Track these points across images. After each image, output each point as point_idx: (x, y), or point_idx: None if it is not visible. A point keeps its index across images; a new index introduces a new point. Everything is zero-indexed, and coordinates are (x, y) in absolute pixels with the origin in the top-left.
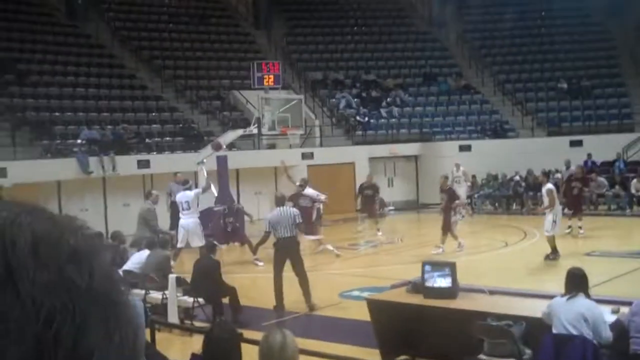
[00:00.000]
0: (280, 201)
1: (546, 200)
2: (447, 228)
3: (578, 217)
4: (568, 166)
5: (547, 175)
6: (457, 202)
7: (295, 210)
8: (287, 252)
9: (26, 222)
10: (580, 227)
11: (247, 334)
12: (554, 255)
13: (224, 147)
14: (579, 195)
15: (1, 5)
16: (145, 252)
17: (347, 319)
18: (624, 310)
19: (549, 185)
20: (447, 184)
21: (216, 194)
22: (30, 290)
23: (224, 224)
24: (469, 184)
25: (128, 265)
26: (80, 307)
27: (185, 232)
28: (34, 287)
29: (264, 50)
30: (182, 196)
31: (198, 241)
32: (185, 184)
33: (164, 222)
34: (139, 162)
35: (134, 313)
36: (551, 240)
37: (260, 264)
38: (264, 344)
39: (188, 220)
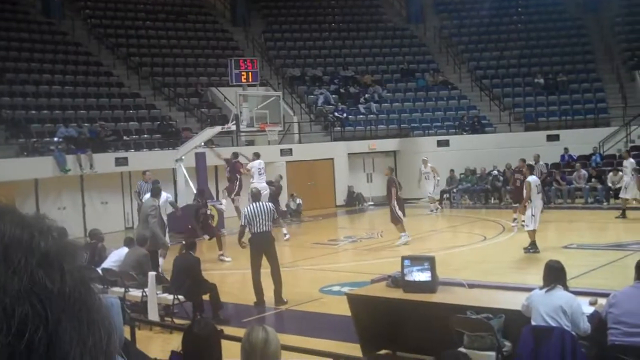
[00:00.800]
0: (255, 196)
1: (524, 193)
2: (394, 218)
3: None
4: (537, 161)
5: (531, 167)
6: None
7: (271, 205)
8: (262, 246)
9: None
10: (524, 220)
11: (228, 330)
12: (533, 249)
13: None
14: (521, 187)
15: None
16: (124, 250)
17: (328, 314)
18: (602, 301)
19: (530, 178)
20: (389, 174)
21: (195, 191)
22: (1, 298)
23: (196, 216)
24: (438, 179)
25: (107, 263)
26: (53, 312)
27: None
28: (5, 295)
29: (241, 46)
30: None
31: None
32: (154, 183)
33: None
34: (116, 159)
35: (107, 314)
36: (531, 234)
37: (227, 259)
38: (247, 340)
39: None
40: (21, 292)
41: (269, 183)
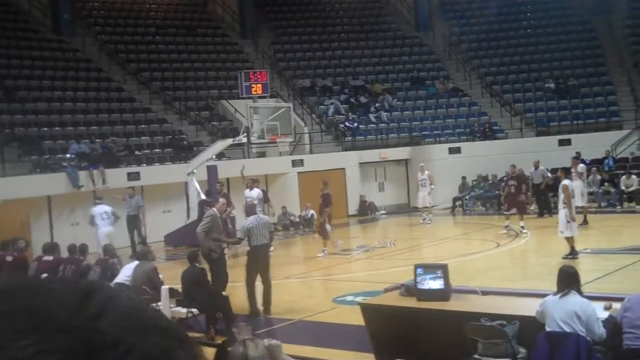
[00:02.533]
0: (251, 210)
1: (561, 197)
2: (322, 232)
3: (519, 216)
4: (537, 167)
5: (567, 171)
6: (326, 209)
7: (268, 218)
8: (260, 258)
9: None
10: (522, 227)
11: None
12: (573, 254)
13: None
14: (515, 194)
15: None
16: (134, 264)
17: (342, 324)
18: (617, 306)
19: (565, 181)
20: (324, 188)
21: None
22: None
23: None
24: (433, 187)
25: (120, 278)
26: None
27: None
28: None
29: (251, 59)
30: (101, 208)
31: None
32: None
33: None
34: (128, 174)
35: None
36: (570, 240)
37: None
38: (240, 356)
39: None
40: None
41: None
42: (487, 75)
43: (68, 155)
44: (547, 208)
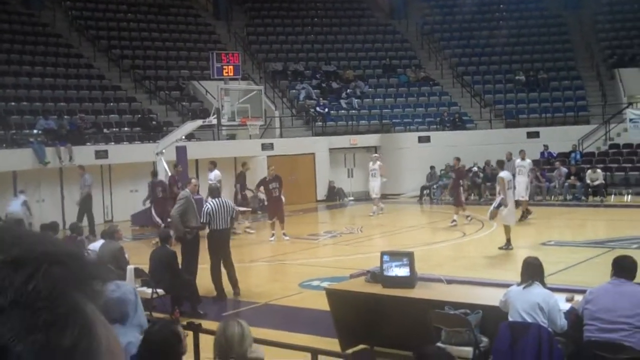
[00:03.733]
0: (215, 192)
1: (498, 189)
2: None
3: (460, 208)
4: (509, 158)
5: (502, 163)
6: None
7: (230, 202)
8: (221, 243)
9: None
10: (454, 221)
11: (206, 324)
12: (508, 246)
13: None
14: (454, 187)
15: None
16: (100, 242)
17: (307, 308)
18: (578, 298)
19: (502, 173)
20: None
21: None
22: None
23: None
24: (384, 179)
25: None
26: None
27: None
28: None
29: (223, 40)
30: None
31: None
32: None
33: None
34: (96, 152)
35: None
36: (508, 230)
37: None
38: (222, 335)
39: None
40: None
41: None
42: (459, 66)
43: (35, 131)
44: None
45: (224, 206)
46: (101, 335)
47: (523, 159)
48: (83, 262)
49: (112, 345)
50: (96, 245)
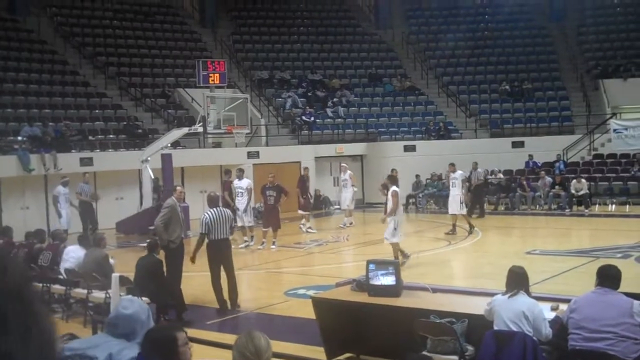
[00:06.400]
0: (213, 202)
1: (389, 204)
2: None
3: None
4: (476, 168)
5: (393, 178)
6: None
7: (229, 212)
8: (221, 253)
9: None
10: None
11: (192, 332)
12: (404, 257)
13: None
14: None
15: None
16: (76, 248)
17: (293, 317)
18: (563, 307)
19: (394, 188)
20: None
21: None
22: None
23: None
24: (355, 189)
25: (66, 263)
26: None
27: None
28: None
29: (209, 48)
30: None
31: None
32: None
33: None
34: (81, 159)
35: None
36: (395, 247)
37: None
38: (250, 345)
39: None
40: None
41: None
42: (444, 76)
43: (19, 138)
44: (480, 208)
45: (222, 216)
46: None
47: (454, 171)
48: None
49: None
50: (70, 249)
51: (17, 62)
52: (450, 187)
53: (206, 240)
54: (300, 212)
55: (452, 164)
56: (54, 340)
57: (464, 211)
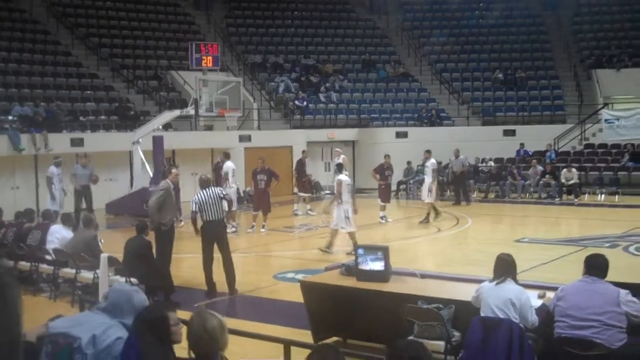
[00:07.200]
0: (205, 184)
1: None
2: None
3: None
4: (457, 155)
5: (340, 166)
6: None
7: (220, 191)
8: (214, 235)
9: None
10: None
11: (180, 314)
12: (328, 249)
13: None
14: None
15: None
16: (62, 229)
17: (281, 300)
18: (550, 295)
19: (340, 176)
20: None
21: (151, 175)
22: None
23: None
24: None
25: (53, 243)
26: None
27: None
28: None
29: (202, 31)
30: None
31: None
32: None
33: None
34: (72, 140)
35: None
36: (352, 235)
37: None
38: (202, 330)
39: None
40: None
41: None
42: (438, 62)
43: (10, 117)
44: (465, 196)
45: (213, 196)
46: None
47: (428, 158)
48: None
49: None
50: (54, 228)
51: (9, 42)
52: (425, 175)
53: (201, 223)
54: (301, 194)
55: (428, 151)
56: (19, 331)
57: (432, 199)
